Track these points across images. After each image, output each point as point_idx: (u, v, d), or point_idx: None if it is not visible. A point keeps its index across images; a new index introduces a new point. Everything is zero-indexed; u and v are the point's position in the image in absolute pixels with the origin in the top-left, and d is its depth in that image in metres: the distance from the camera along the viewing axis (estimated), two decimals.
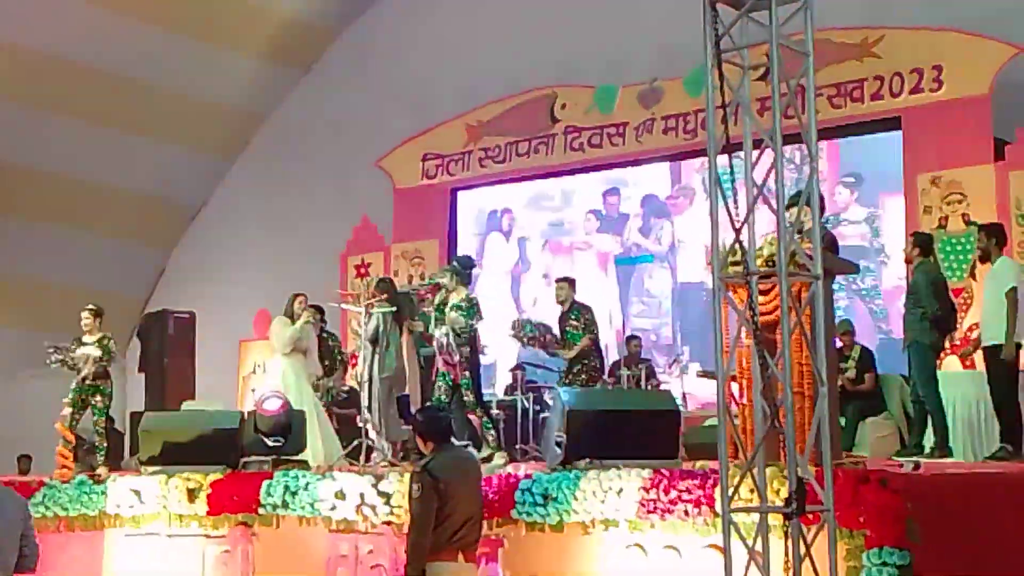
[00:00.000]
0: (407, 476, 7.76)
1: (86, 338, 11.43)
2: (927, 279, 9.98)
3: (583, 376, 11.44)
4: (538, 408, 12.33)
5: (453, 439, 8.27)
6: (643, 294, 14.91)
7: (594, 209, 15.53)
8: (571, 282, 12.09)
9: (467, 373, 10.55)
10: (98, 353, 11.33)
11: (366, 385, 10.86)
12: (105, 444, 11.41)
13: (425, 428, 7.49)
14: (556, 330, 11.70)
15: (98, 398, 11.31)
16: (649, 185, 15.20)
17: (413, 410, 10.78)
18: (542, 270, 15.82)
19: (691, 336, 14.43)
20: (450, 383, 10.57)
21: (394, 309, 11.28)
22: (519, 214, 16.16)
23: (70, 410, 11.21)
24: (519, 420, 12.38)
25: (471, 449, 9.79)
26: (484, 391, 11.33)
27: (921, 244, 10.26)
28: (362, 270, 16.65)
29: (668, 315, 14.80)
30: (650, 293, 14.86)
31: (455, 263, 11.32)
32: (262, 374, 16.36)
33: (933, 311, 9.81)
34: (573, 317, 11.64)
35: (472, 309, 10.65)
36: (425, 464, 7.16)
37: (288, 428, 10.48)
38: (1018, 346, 9.53)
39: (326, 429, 11.53)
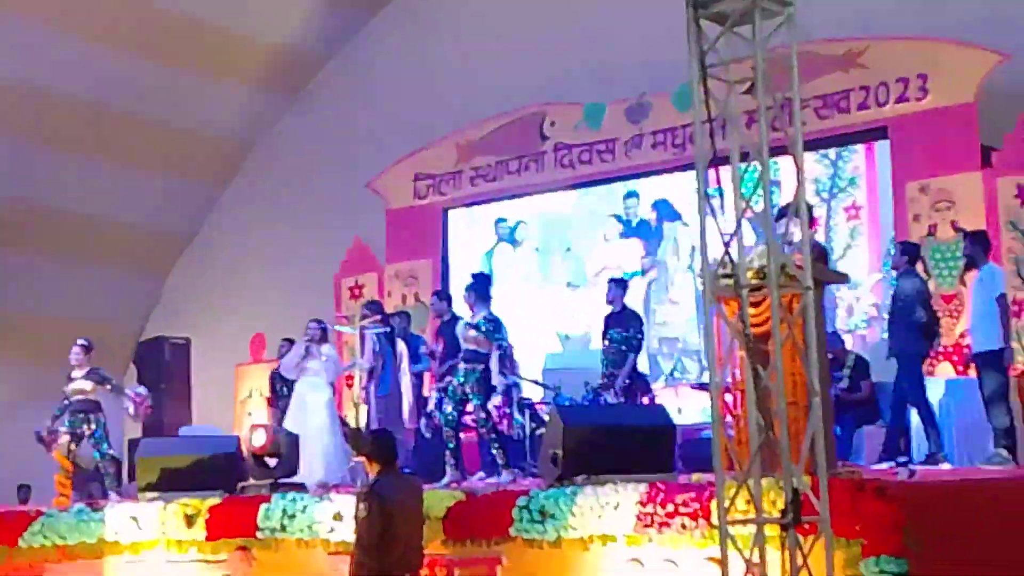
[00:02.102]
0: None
1: (75, 372, 11.57)
2: (914, 288, 10.04)
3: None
4: (534, 425, 12.32)
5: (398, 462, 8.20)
6: (665, 302, 14.69)
7: (616, 214, 15.24)
8: (621, 283, 12.03)
9: (480, 390, 10.49)
10: (88, 386, 11.46)
11: (363, 406, 10.91)
12: (111, 471, 11.57)
13: (372, 450, 7.57)
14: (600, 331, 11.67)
15: (92, 427, 11.43)
16: (662, 191, 14.84)
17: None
18: (565, 279, 15.49)
19: None
20: (459, 398, 10.50)
21: (388, 329, 11.32)
22: (530, 224, 15.88)
23: (67, 439, 11.29)
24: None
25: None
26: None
27: (908, 253, 10.33)
28: (356, 291, 16.64)
29: (694, 321, 14.35)
30: (672, 300, 14.59)
31: (472, 282, 11.21)
32: (259, 398, 16.42)
33: (920, 320, 9.86)
34: (625, 324, 11.62)
35: (492, 327, 10.58)
36: (372, 485, 7.23)
37: (278, 452, 10.50)
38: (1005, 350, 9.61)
39: (333, 445, 11.52)
